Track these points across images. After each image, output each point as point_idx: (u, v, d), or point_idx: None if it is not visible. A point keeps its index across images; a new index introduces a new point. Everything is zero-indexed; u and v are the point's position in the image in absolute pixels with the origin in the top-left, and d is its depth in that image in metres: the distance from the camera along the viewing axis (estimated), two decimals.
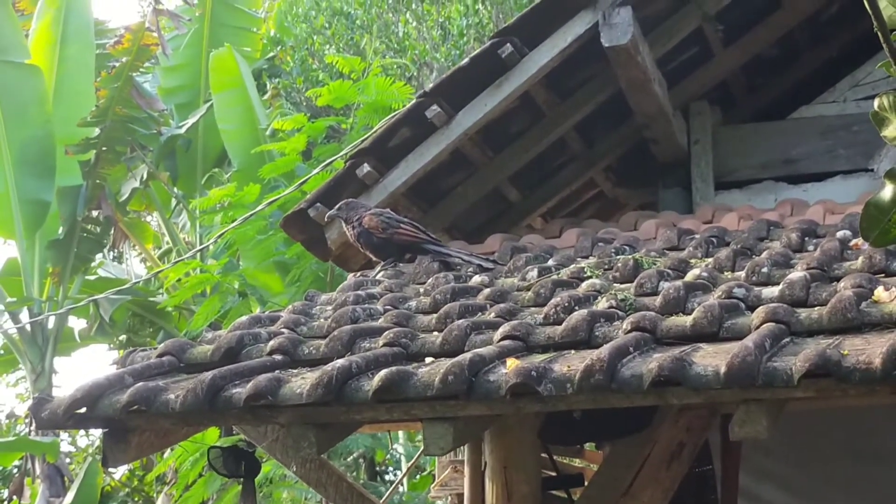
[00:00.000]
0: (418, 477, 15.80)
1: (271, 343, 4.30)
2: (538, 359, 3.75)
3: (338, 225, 6.26)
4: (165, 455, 11.49)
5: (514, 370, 3.54)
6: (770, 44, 7.56)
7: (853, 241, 4.96)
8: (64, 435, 17.88)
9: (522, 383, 3.49)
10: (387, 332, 4.21)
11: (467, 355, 3.65)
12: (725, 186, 7.27)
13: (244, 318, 4.84)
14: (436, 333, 4.27)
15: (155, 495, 17.28)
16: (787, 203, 6.70)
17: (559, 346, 3.95)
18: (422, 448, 6.06)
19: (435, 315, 4.50)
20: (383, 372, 3.66)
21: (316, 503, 12.66)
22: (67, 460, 16.98)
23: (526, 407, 3.62)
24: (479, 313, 4.47)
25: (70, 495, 14.22)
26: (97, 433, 17.53)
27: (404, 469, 15.65)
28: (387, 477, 17.67)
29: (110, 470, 18.12)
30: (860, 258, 4.50)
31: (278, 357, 4.20)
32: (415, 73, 15.30)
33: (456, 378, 3.55)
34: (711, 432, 5.48)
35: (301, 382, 3.77)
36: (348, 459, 15.53)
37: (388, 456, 16.72)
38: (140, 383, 3.98)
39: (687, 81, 7.31)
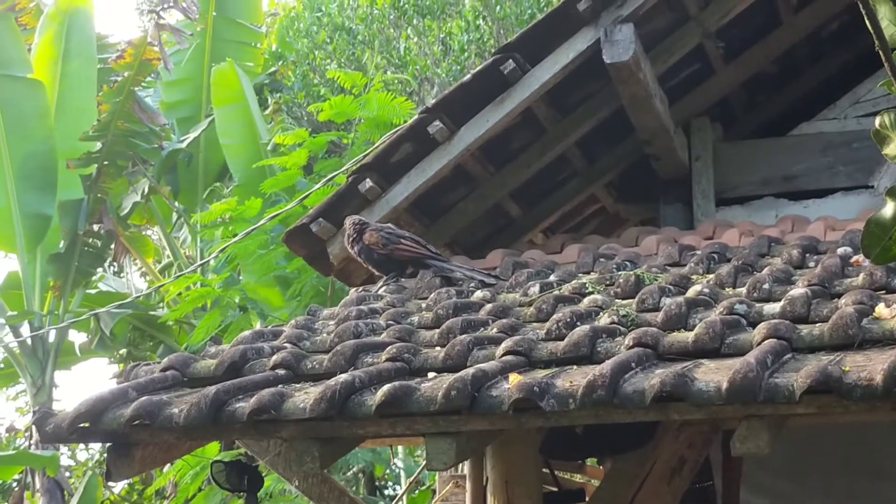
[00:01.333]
0: (417, 492, 15.77)
1: (274, 358, 4.31)
2: (540, 374, 3.76)
3: (340, 240, 6.28)
4: (165, 469, 11.48)
5: (516, 385, 3.55)
6: (771, 61, 7.60)
7: (854, 258, 4.97)
8: (64, 449, 17.85)
9: (525, 398, 3.50)
10: (389, 347, 4.23)
11: (470, 370, 3.67)
12: (726, 202, 7.29)
13: (247, 332, 4.85)
14: (438, 348, 4.28)
15: None
16: (787, 219, 6.71)
17: (561, 361, 3.96)
18: (423, 463, 6.05)
19: (437, 330, 4.51)
20: (386, 387, 3.68)
21: None
22: (67, 474, 16.94)
23: (528, 422, 3.64)
24: (482, 329, 4.48)
25: None
26: (97, 447, 17.55)
27: (404, 484, 15.63)
28: (386, 492, 17.64)
29: (110, 484, 18.09)
30: (861, 275, 4.51)
31: (281, 372, 4.21)
32: (416, 89, 15.33)
33: (459, 393, 3.57)
34: (712, 448, 5.49)
35: (304, 397, 3.78)
36: (347, 474, 15.51)
37: (388, 471, 16.69)
38: (144, 397, 3.99)
39: (688, 98, 7.34)
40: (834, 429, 5.95)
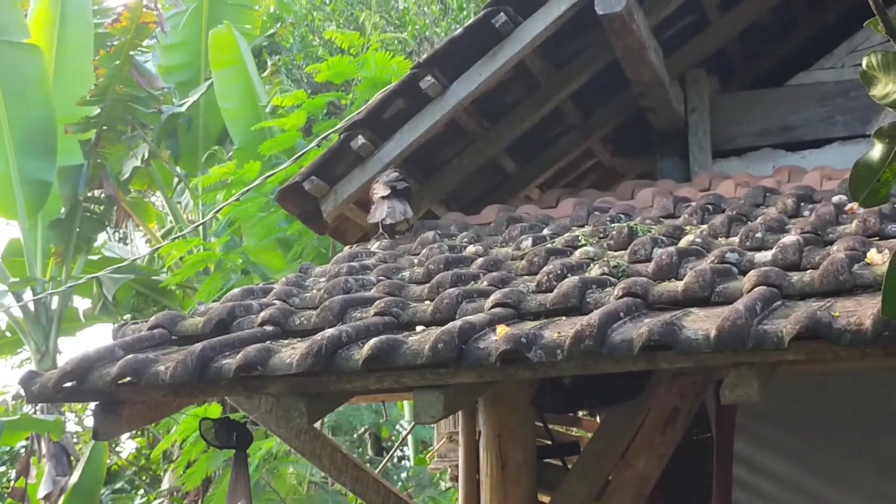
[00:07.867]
0: (424, 452, 15.79)
1: (262, 314, 4.29)
2: (529, 325, 3.74)
3: (332, 198, 6.26)
4: (171, 432, 11.52)
5: (503, 337, 3.52)
6: (767, 11, 7.50)
7: (848, 206, 4.93)
8: (70, 414, 17.92)
9: (512, 350, 3.48)
10: (378, 302, 4.20)
11: (457, 323, 3.65)
12: (723, 154, 7.22)
13: (237, 290, 4.83)
14: (427, 302, 4.26)
15: (162, 474, 17.31)
16: (784, 170, 6.65)
17: (550, 312, 3.94)
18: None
19: (427, 285, 4.48)
20: (373, 341, 3.65)
21: (321, 479, 12.68)
22: (74, 440, 17.00)
23: (516, 374, 3.61)
24: (472, 282, 4.46)
25: (76, 474, 14.25)
26: None
27: (410, 445, 15.66)
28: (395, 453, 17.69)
29: (117, 449, 18.16)
30: (854, 222, 4.47)
31: (269, 328, 4.19)
32: (415, 48, 15.24)
33: (446, 346, 3.55)
34: (708, 399, 5.46)
35: (291, 352, 3.76)
36: (354, 436, 15.54)
37: (394, 432, 16.74)
38: (130, 355, 3.97)
39: (683, 49, 7.24)
40: (836, 379, 5.92)
